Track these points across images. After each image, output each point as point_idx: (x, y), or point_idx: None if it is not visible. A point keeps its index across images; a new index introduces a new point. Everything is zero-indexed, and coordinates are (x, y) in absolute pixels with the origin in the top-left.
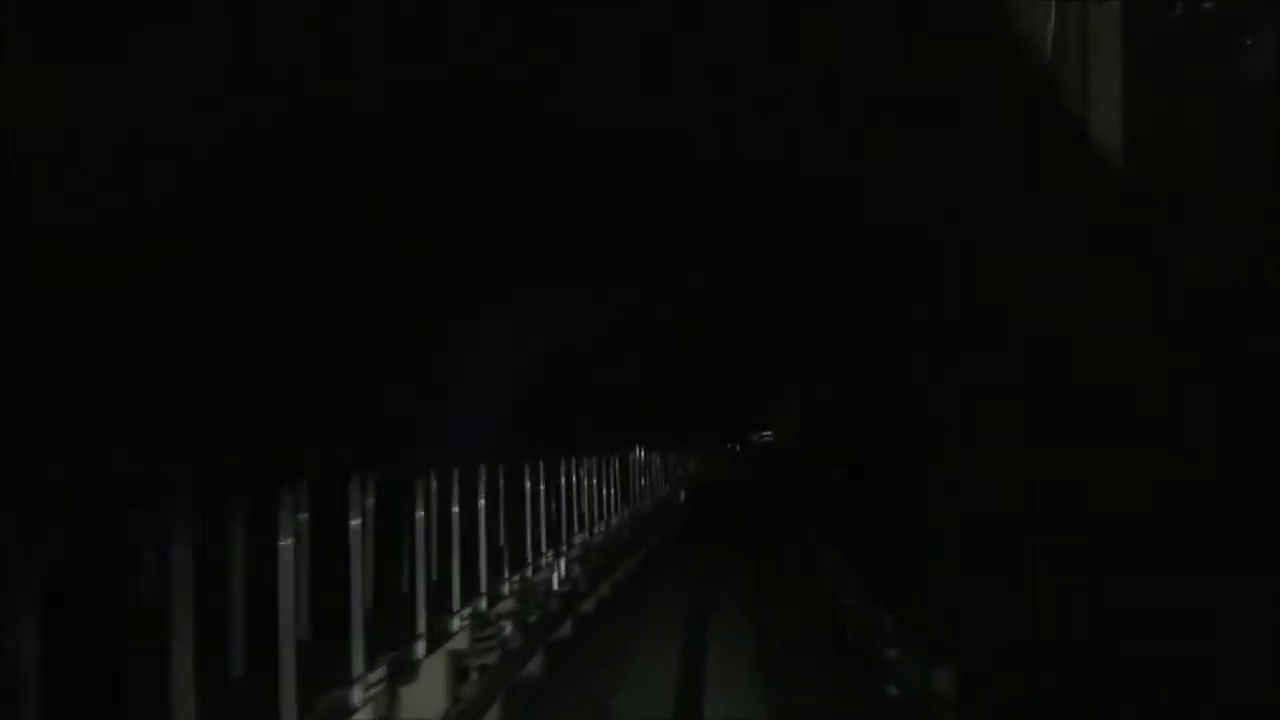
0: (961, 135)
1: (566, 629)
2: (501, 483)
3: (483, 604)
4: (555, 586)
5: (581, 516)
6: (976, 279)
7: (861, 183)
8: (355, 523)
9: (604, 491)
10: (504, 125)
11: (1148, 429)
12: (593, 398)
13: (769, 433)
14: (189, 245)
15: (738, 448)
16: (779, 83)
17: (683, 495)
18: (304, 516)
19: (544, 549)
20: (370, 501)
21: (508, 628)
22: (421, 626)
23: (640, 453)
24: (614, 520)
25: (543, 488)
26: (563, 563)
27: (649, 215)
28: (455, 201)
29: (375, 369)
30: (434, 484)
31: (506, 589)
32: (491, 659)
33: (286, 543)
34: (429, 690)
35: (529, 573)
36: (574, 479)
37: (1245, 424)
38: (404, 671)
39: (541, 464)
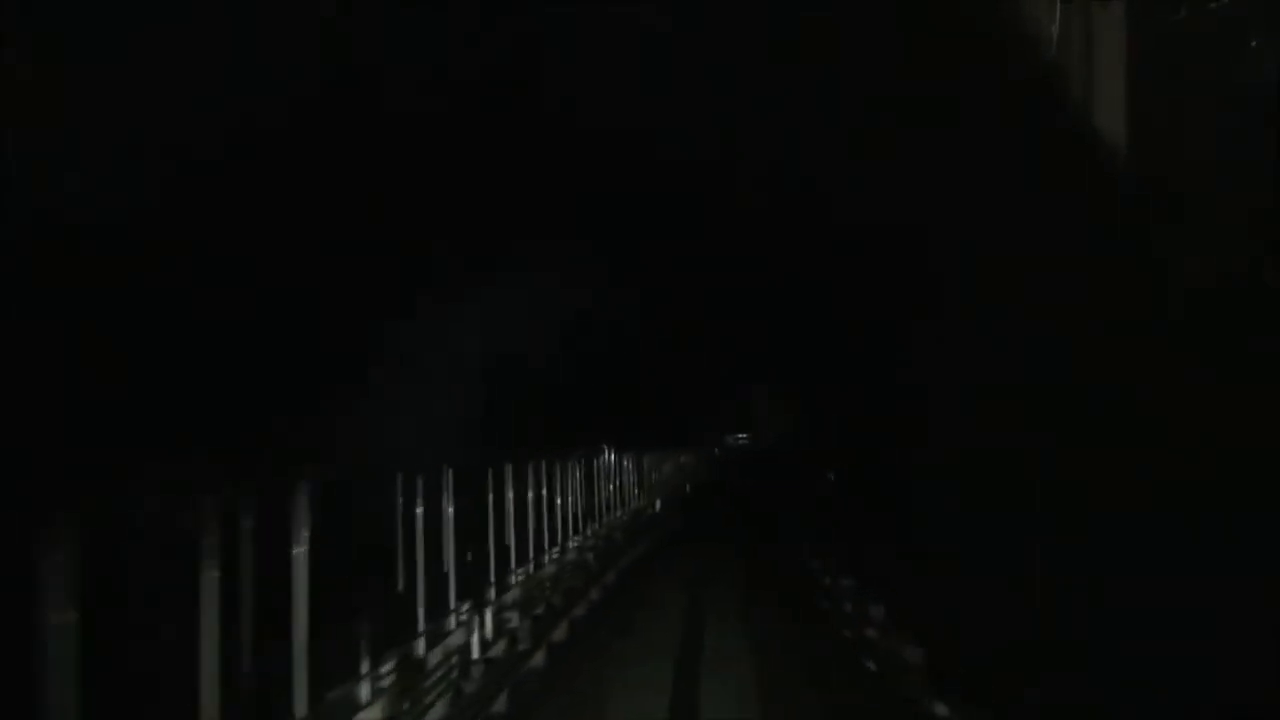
0: (961, 135)
1: (501, 703)
2: (400, 505)
3: None
4: (477, 653)
5: (527, 541)
6: (976, 279)
7: (862, 183)
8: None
9: (560, 503)
10: (504, 125)
11: (1148, 429)
12: (556, 398)
13: (744, 435)
14: (189, 245)
15: (716, 450)
16: (779, 83)
17: (659, 504)
18: None
19: (455, 601)
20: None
21: None
22: None
23: (610, 456)
24: (573, 544)
25: (451, 509)
26: (489, 615)
27: (649, 215)
28: (454, 200)
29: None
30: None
31: (365, 692)
32: None
33: None
34: None
35: (418, 649)
36: (514, 493)
37: (1245, 424)
38: None
39: (450, 473)
